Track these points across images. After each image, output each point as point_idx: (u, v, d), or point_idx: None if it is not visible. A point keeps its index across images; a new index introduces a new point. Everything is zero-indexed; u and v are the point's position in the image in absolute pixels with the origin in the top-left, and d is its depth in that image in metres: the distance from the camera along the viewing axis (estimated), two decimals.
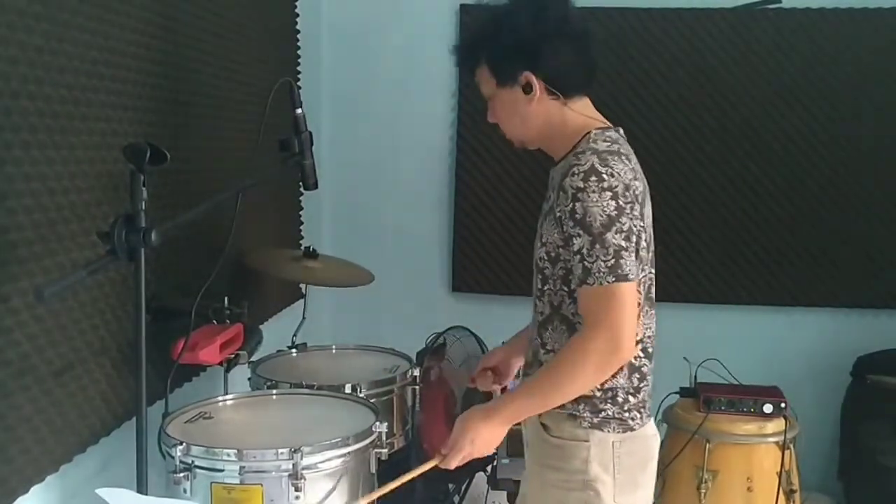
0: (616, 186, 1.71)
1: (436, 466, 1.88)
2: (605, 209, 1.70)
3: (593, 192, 1.70)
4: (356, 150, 3.91)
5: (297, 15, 3.35)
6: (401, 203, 3.96)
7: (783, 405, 2.92)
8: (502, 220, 3.86)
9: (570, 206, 1.72)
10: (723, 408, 2.93)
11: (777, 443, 2.90)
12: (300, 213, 3.49)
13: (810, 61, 3.65)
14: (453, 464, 1.85)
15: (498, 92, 1.88)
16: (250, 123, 2.67)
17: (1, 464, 1.55)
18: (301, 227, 3.49)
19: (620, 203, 1.71)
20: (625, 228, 1.71)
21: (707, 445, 2.87)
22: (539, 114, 1.86)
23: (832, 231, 3.72)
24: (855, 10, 3.62)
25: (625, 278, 1.70)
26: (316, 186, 2.15)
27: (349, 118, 3.90)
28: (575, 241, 1.72)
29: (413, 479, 1.90)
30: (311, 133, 2.12)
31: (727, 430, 2.90)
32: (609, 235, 1.70)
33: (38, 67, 1.63)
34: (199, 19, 2.38)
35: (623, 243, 1.70)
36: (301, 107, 2.11)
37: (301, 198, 3.46)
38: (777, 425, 2.91)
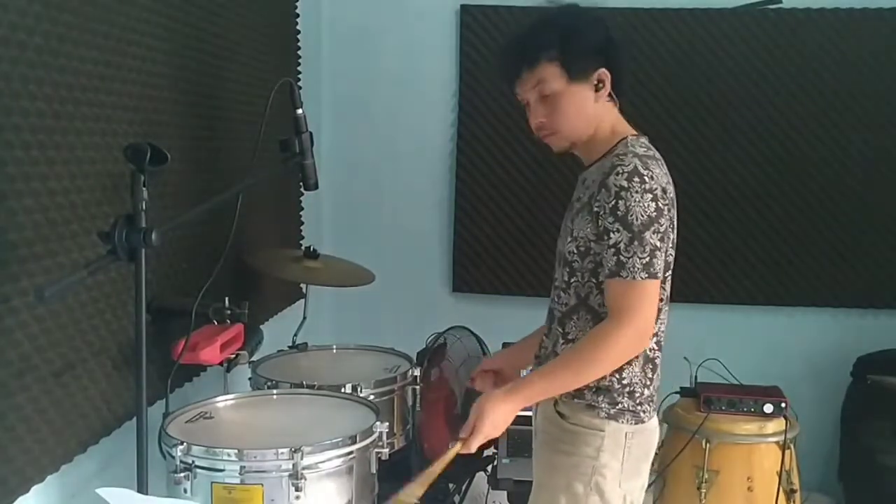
0: (655, 189, 1.81)
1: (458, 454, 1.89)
2: (647, 210, 1.79)
3: (636, 192, 1.78)
4: (356, 150, 3.91)
5: (298, 15, 3.35)
6: (401, 203, 3.96)
7: (783, 405, 2.91)
8: (502, 220, 3.86)
9: (613, 202, 1.80)
10: (723, 408, 2.93)
11: (777, 443, 2.89)
12: (300, 213, 3.49)
13: (810, 61, 3.65)
14: (475, 446, 1.88)
15: (568, 88, 1.90)
16: (250, 123, 2.67)
17: (1, 463, 1.55)
18: (301, 227, 3.49)
19: (659, 205, 1.81)
20: (661, 230, 1.81)
21: (707, 445, 2.87)
22: (599, 113, 1.94)
23: (832, 231, 3.72)
24: (855, 10, 3.62)
25: (654, 276, 1.80)
26: (316, 186, 2.15)
27: (349, 118, 3.90)
28: (612, 235, 1.80)
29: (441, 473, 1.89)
30: (311, 133, 2.12)
31: (727, 429, 2.90)
32: (647, 235, 1.79)
33: (38, 67, 1.63)
34: (199, 20, 2.38)
35: (658, 243, 1.80)
36: (301, 107, 2.11)
37: (301, 198, 3.46)
38: (777, 425, 2.90)
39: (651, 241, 1.79)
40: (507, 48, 1.98)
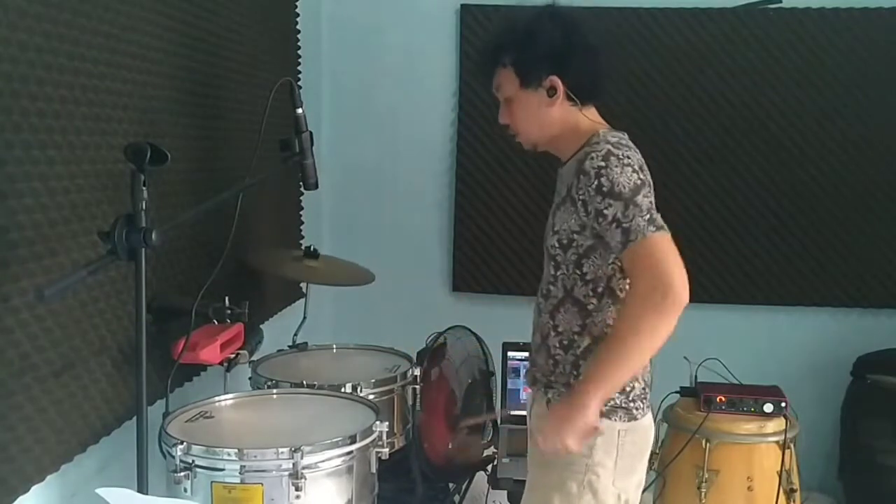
0: (633, 164, 1.84)
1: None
2: (630, 178, 1.82)
3: (615, 166, 1.82)
4: (356, 150, 3.91)
5: (298, 14, 3.35)
6: (401, 203, 3.95)
7: (783, 405, 2.91)
8: (502, 220, 3.86)
9: (595, 182, 1.82)
10: (723, 407, 2.93)
11: (777, 442, 2.89)
12: (300, 212, 3.49)
13: (810, 61, 3.65)
14: (548, 448, 1.87)
15: (520, 93, 1.98)
16: (250, 123, 2.67)
17: (1, 463, 1.55)
18: (301, 227, 3.49)
19: (641, 177, 1.84)
20: (650, 196, 1.84)
21: (707, 445, 2.87)
22: (556, 116, 1.98)
23: (832, 231, 3.72)
24: (855, 10, 3.62)
25: (662, 228, 1.81)
26: (316, 186, 2.15)
27: (349, 118, 3.90)
28: (607, 212, 1.81)
29: None
30: (311, 133, 2.12)
31: (727, 429, 2.89)
32: (639, 198, 1.81)
33: (38, 67, 1.63)
34: (199, 19, 2.38)
35: (650, 204, 1.82)
36: (301, 106, 2.11)
37: (301, 198, 3.46)
38: (777, 425, 2.90)
39: (643, 202, 1.80)
40: (479, 51, 2.06)
